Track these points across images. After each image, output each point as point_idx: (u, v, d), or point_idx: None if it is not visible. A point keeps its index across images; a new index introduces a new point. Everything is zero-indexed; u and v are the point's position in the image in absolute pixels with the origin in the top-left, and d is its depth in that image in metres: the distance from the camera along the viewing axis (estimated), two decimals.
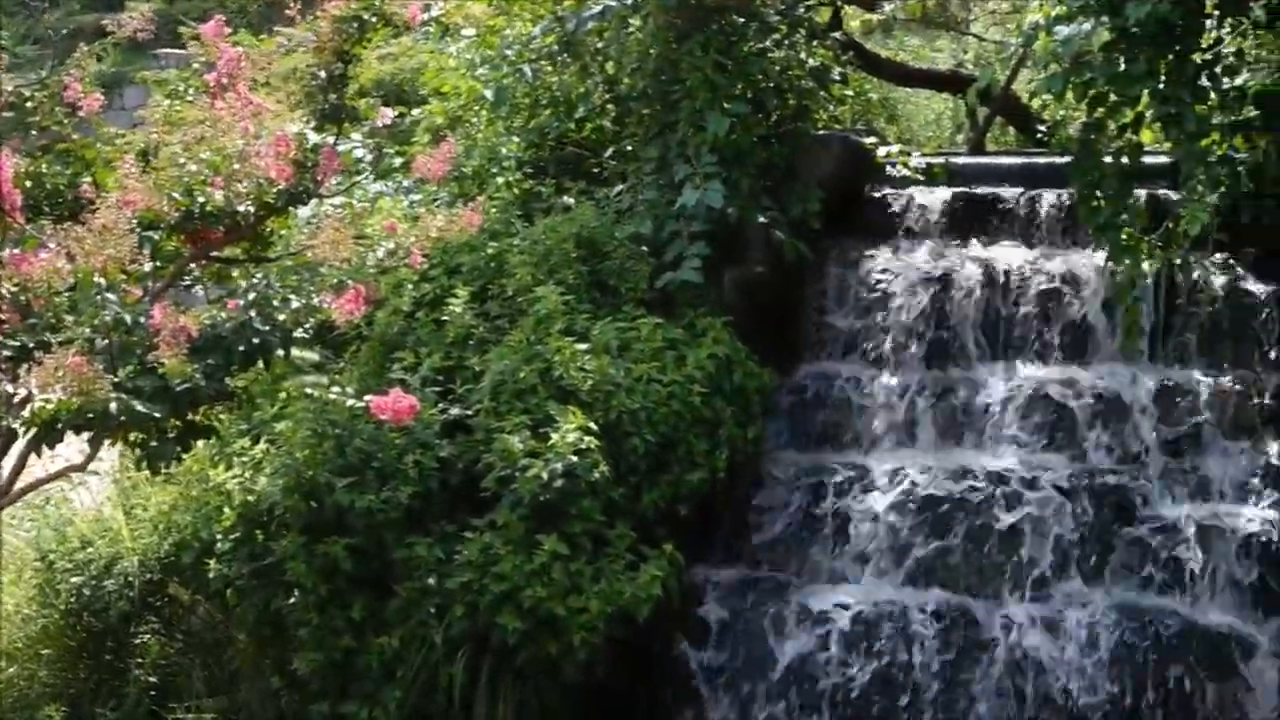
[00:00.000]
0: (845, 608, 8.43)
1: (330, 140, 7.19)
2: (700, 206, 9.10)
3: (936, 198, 9.95)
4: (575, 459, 7.92)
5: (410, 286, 9.02)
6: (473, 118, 10.83)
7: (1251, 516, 8.39)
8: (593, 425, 8.11)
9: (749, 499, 8.99)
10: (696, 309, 9.15)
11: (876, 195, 10.09)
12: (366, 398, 7.50)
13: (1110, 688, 7.99)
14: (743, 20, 9.70)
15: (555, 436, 7.99)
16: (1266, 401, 8.77)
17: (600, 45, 10.21)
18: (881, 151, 10.13)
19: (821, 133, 10.11)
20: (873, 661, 8.25)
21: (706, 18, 9.60)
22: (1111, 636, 8.05)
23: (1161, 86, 7.94)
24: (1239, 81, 8.41)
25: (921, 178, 10.14)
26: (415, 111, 11.11)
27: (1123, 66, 7.99)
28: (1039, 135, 12.46)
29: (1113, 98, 8.35)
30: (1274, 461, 8.59)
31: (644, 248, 9.26)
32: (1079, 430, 8.95)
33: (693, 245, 9.14)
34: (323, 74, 7.22)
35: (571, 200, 9.65)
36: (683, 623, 8.50)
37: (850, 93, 10.89)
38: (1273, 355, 8.96)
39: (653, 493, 8.45)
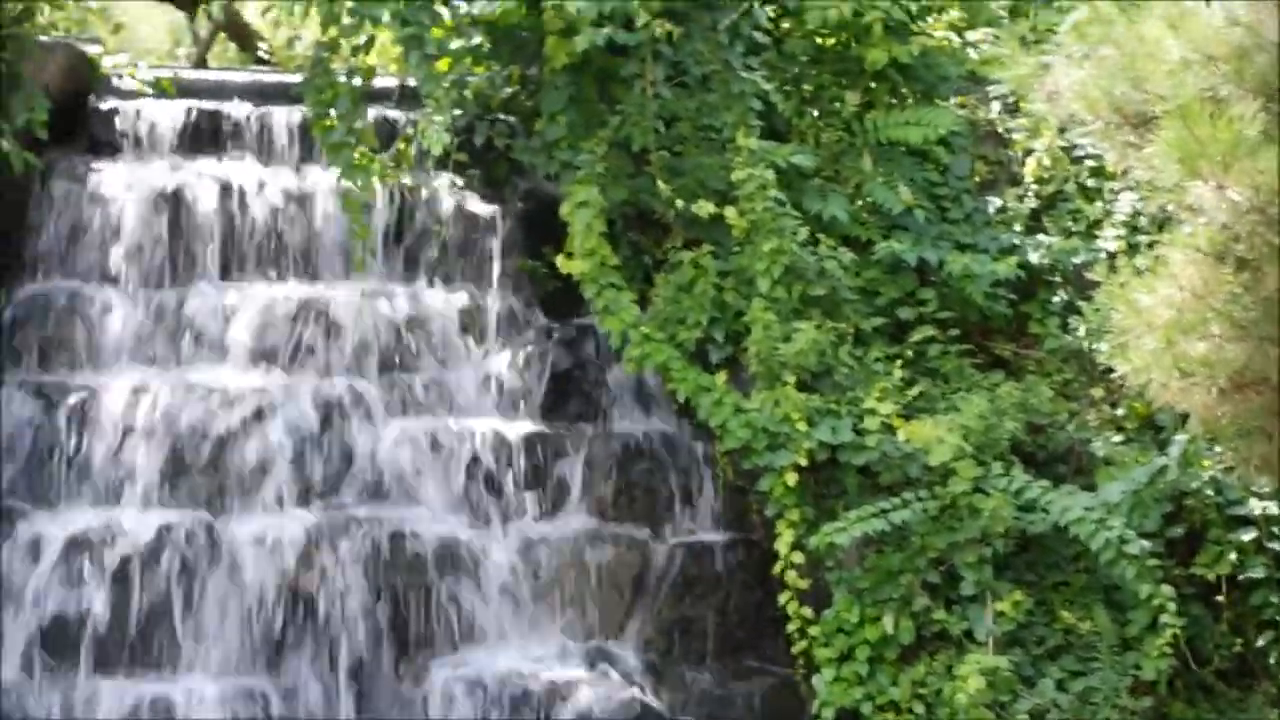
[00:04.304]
0: (79, 533, 8.14)
1: None
2: None
3: (167, 112, 9.70)
4: None
5: None
6: None
7: (483, 428, 8.78)
8: None
9: None
10: None
11: (104, 107, 9.71)
12: None
13: (349, 597, 8.19)
14: None
15: None
16: (494, 316, 9.21)
17: None
18: (108, 62, 9.79)
19: (45, 40, 9.64)
20: (116, 586, 8.02)
21: None
22: (355, 545, 8.23)
23: (402, 8, 8.11)
24: (475, 9, 8.75)
25: (150, 91, 9.89)
26: None
27: None
28: (260, 53, 12.44)
29: (347, 19, 8.48)
30: (502, 373, 9.03)
31: None
32: (314, 348, 9.04)
33: None
34: None
35: None
36: None
37: None
38: (498, 273, 9.42)
39: None
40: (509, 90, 9.40)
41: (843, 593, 8.00)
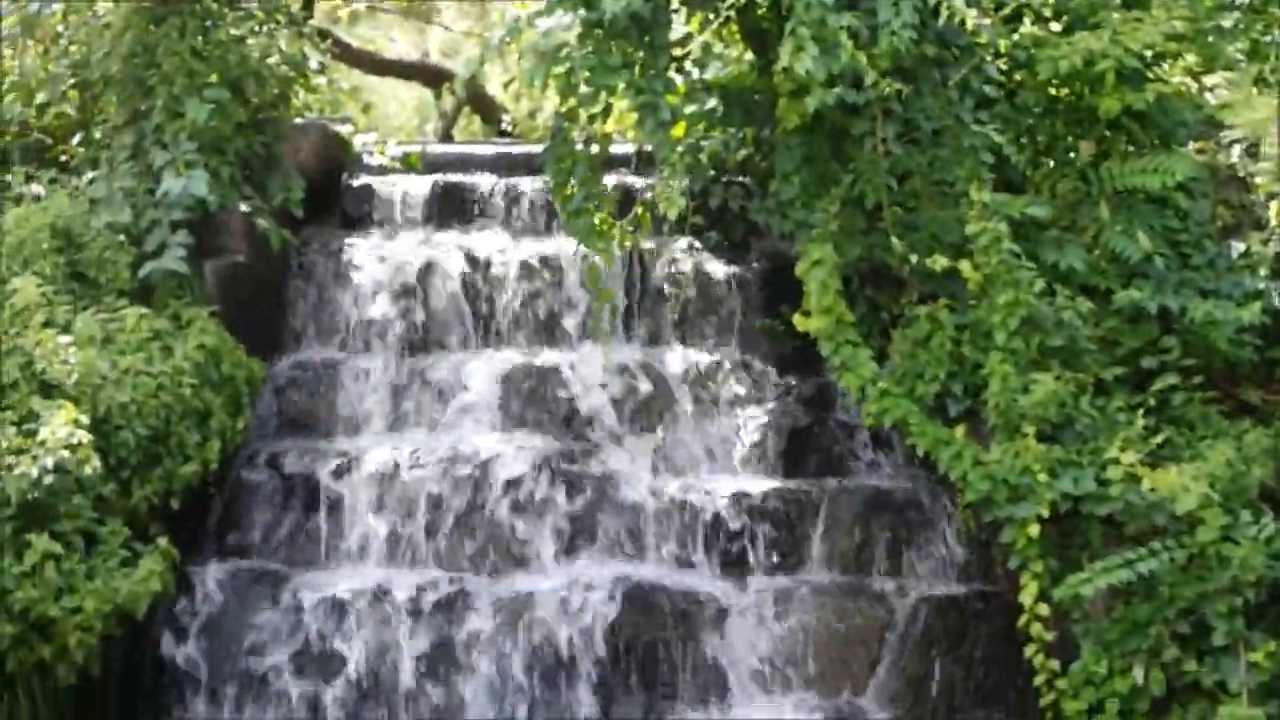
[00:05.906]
0: (342, 593, 8.46)
1: None
2: (183, 195, 8.99)
3: (416, 186, 10.12)
4: (66, 454, 7.69)
5: None
6: None
7: (725, 486, 8.91)
8: (83, 419, 7.89)
9: (241, 489, 8.91)
10: (180, 299, 9.03)
11: (356, 184, 10.18)
12: None
13: (599, 651, 8.36)
14: (218, 5, 9.61)
15: (45, 432, 7.73)
16: (735, 375, 9.36)
17: (63, 29, 9.92)
18: (359, 140, 10.23)
19: (300, 121, 10.12)
20: (370, 645, 8.32)
21: (181, 2, 9.46)
22: (602, 604, 8.40)
23: (636, 78, 8.31)
24: (707, 75, 8.95)
25: (398, 166, 10.30)
26: None
27: (600, 59, 8.30)
28: (502, 125, 12.81)
29: (584, 89, 8.70)
30: (743, 431, 9.16)
31: (122, 237, 9.05)
32: (560, 411, 9.29)
33: (175, 234, 9.01)
34: None
35: (42, 189, 9.33)
36: (173, 617, 8.39)
37: (324, 80, 10.91)
38: (736, 333, 9.58)
39: (145, 487, 8.31)
40: (743, 152, 9.58)
41: (1090, 644, 7.91)
